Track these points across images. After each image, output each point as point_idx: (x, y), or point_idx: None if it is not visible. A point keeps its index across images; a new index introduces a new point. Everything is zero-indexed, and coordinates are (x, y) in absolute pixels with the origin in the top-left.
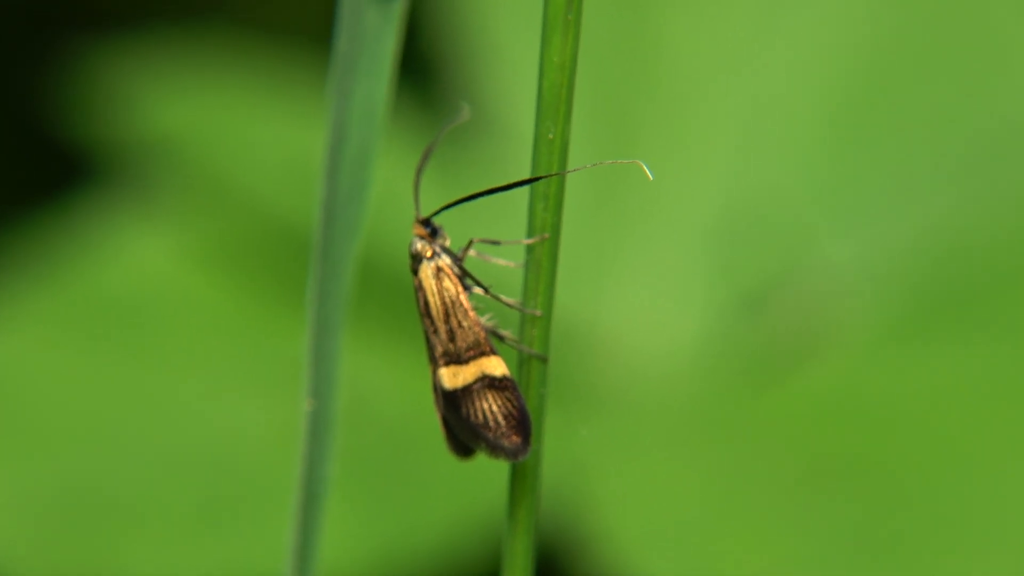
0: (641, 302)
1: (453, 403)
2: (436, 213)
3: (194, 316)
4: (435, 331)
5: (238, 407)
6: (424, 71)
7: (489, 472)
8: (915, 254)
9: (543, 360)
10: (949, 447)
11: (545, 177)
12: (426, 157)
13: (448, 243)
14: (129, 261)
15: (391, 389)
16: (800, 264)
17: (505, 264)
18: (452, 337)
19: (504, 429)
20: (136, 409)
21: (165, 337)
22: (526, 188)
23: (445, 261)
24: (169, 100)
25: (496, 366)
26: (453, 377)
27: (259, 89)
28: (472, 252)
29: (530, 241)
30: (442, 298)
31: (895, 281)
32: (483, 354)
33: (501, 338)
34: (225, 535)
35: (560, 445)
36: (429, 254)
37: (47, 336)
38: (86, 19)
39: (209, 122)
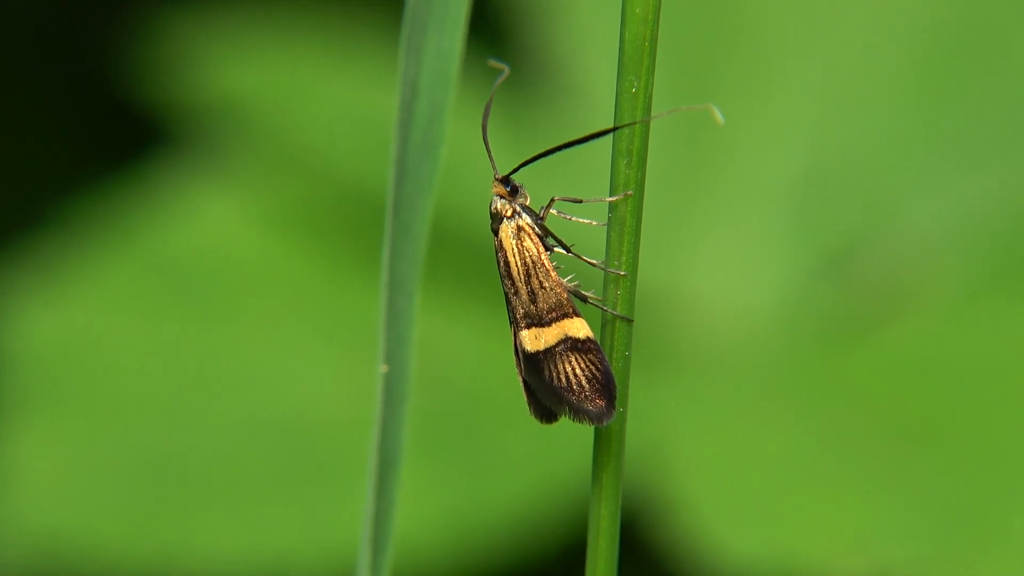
0: (723, 261)
1: (535, 366)
2: (515, 170)
3: (268, 279)
4: (516, 292)
5: (313, 370)
6: (497, 29)
7: (571, 436)
8: (1000, 215)
9: (628, 321)
10: None
11: (621, 128)
12: (487, 115)
13: (528, 201)
14: (202, 224)
15: (469, 352)
16: (884, 223)
17: (588, 223)
18: (534, 298)
19: (588, 392)
20: (211, 374)
21: (239, 300)
22: (607, 145)
23: (526, 220)
24: (241, 62)
25: (579, 328)
26: (535, 340)
27: (331, 50)
28: (553, 211)
29: (613, 199)
30: (523, 258)
31: (981, 240)
32: (565, 316)
33: (584, 299)
34: (302, 500)
35: (639, 408)
36: (509, 213)
37: (121, 301)
38: None
39: (281, 84)
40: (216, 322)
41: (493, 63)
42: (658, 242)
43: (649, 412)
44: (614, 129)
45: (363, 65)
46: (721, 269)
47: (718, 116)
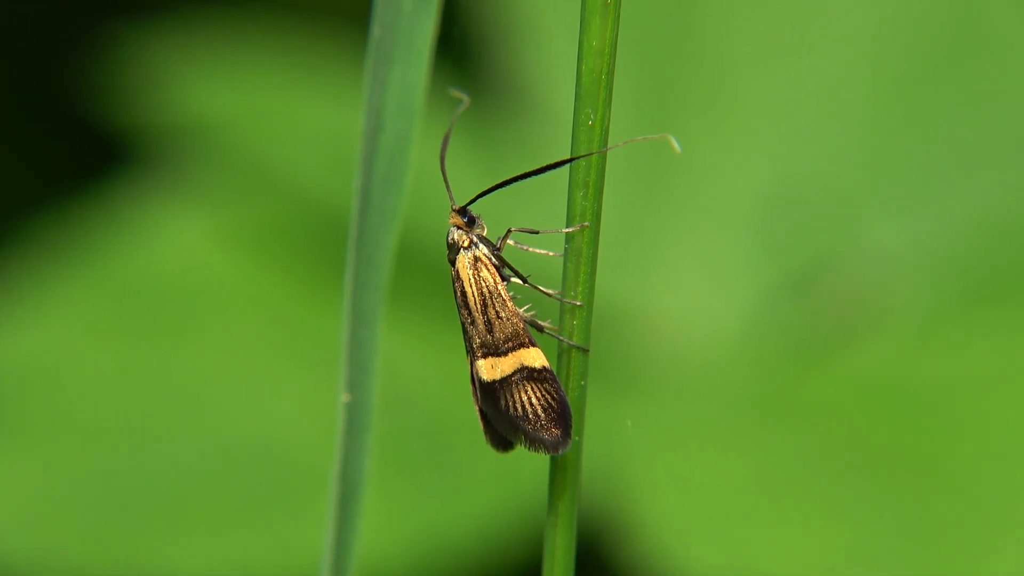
0: (688, 282)
1: (491, 395)
2: (472, 201)
3: (233, 300)
4: (472, 322)
5: (278, 391)
6: (466, 53)
7: (531, 463)
8: (966, 235)
9: (584, 351)
10: (1002, 432)
11: (577, 159)
12: (445, 146)
13: (486, 232)
14: (167, 245)
15: (431, 377)
16: (848, 245)
17: (544, 253)
18: (490, 328)
19: (544, 421)
20: (176, 395)
21: (204, 321)
22: (564, 175)
23: (483, 251)
24: (207, 83)
25: (535, 357)
26: (491, 369)
27: (298, 71)
28: (510, 241)
29: (570, 230)
30: (480, 288)
31: (945, 262)
32: (522, 345)
33: (540, 329)
34: (267, 522)
35: (604, 429)
36: (466, 243)
37: (84, 321)
38: (123, 3)
39: (247, 105)
40: (182, 343)
41: (454, 92)
42: (623, 262)
43: (613, 433)
44: (570, 160)
45: (331, 86)
46: (686, 290)
47: (675, 146)
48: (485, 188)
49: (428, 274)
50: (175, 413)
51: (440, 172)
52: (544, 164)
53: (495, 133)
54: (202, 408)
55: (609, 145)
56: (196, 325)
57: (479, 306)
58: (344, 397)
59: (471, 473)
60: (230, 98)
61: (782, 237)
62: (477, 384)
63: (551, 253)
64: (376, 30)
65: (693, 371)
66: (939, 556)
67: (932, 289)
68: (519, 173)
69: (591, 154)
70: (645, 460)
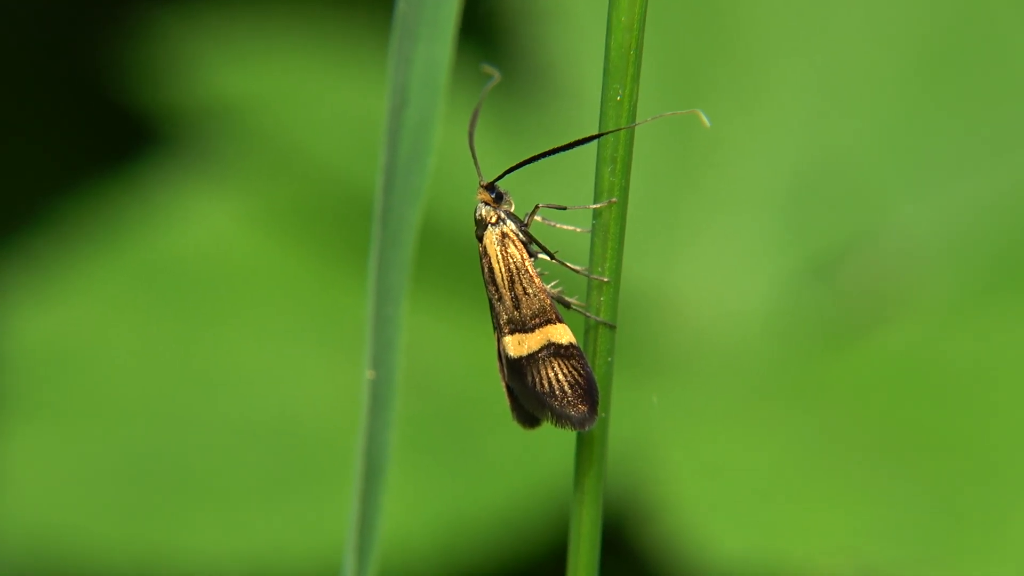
0: (713, 265)
1: (518, 371)
2: (500, 177)
3: (260, 281)
4: (500, 298)
5: (305, 371)
6: (491, 32)
7: (558, 437)
8: (994, 217)
9: (611, 327)
10: None
11: (605, 135)
12: (474, 121)
13: (513, 208)
14: (195, 225)
15: (457, 358)
16: (875, 227)
17: (571, 229)
18: (517, 304)
19: (571, 398)
20: (202, 375)
21: (230, 302)
22: (592, 151)
23: (510, 227)
24: (235, 65)
25: (562, 334)
26: (518, 345)
27: (324, 52)
28: (538, 217)
29: (597, 206)
30: (507, 264)
31: (972, 245)
32: (549, 322)
33: (567, 305)
34: (293, 501)
35: (629, 411)
36: (494, 219)
37: (113, 302)
38: None
39: (275, 87)
40: (208, 324)
41: (486, 68)
42: (648, 245)
43: (638, 415)
44: (598, 136)
45: (357, 68)
46: (711, 272)
47: (705, 120)
48: (512, 164)
49: (455, 254)
50: (201, 394)
51: (469, 148)
52: (572, 140)
53: (520, 113)
54: (228, 389)
55: (638, 120)
56: (223, 306)
57: (506, 282)
58: (368, 374)
59: (496, 454)
60: (258, 80)
61: (809, 218)
62: (504, 360)
63: (578, 229)
64: (402, 5)
65: (718, 353)
66: (962, 537)
67: (959, 271)
68: (547, 149)
69: (620, 129)
70: (670, 442)
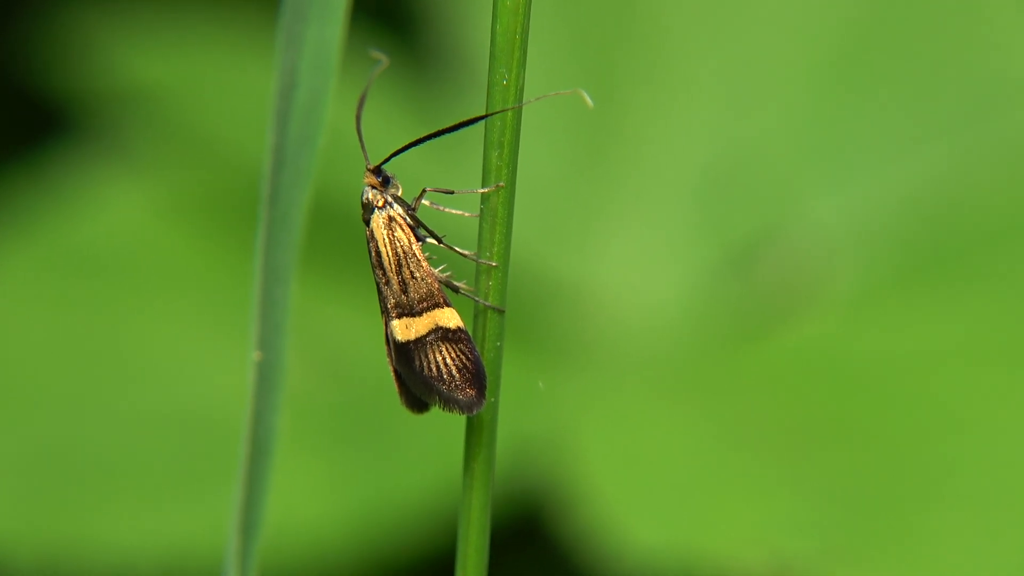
0: (628, 257)
1: (406, 356)
2: (386, 160)
3: (172, 270)
4: (387, 282)
5: (218, 360)
6: (410, 15)
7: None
8: (903, 210)
9: (499, 312)
10: (938, 402)
11: (489, 116)
12: (361, 105)
13: (400, 192)
14: (106, 214)
15: (374, 343)
16: (787, 220)
17: (459, 214)
18: (405, 288)
19: (458, 382)
20: (113, 366)
21: (143, 292)
22: (482, 136)
23: (397, 211)
24: (145, 51)
25: (450, 318)
26: (406, 329)
27: (237, 39)
28: (425, 202)
29: (485, 190)
30: (394, 248)
31: (882, 237)
32: (436, 306)
33: (456, 289)
34: (203, 494)
35: (546, 402)
36: (380, 203)
37: (22, 291)
38: None
39: (186, 73)
40: (119, 314)
41: (374, 53)
42: (566, 237)
43: (556, 404)
44: (482, 118)
45: (269, 54)
46: (628, 264)
47: (587, 100)
48: (397, 148)
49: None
50: (112, 384)
51: (356, 131)
52: (458, 121)
53: (437, 98)
54: (139, 378)
55: (523, 102)
56: (133, 295)
57: (394, 266)
58: (255, 356)
59: (414, 441)
60: (169, 66)
61: (723, 211)
62: (392, 345)
63: (466, 214)
64: None
65: (636, 344)
66: (874, 527)
67: (869, 264)
68: (429, 132)
69: (503, 111)
70: (588, 433)
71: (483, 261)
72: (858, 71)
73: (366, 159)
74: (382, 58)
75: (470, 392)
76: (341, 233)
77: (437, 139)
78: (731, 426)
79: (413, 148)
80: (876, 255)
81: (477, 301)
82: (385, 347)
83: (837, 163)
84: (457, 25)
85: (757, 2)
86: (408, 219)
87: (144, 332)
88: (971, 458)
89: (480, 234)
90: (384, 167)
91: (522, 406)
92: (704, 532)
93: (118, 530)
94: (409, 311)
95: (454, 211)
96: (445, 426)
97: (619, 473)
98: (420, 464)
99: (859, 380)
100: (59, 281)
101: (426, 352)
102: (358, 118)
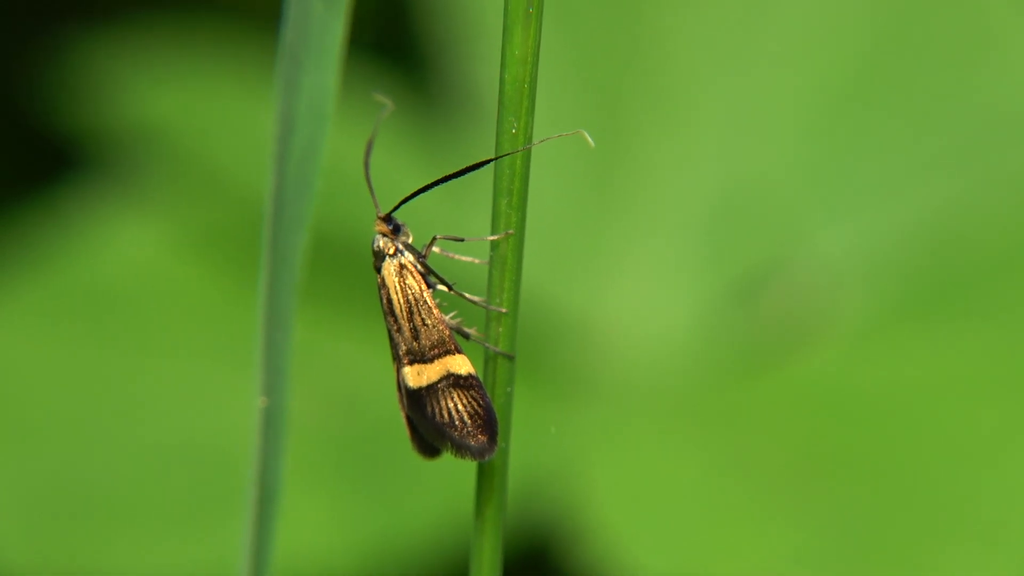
0: (633, 291)
1: (418, 402)
2: (396, 208)
3: (183, 306)
4: (399, 329)
5: (225, 396)
6: (417, 57)
7: (469, 466)
8: (908, 243)
9: (509, 358)
10: (943, 436)
11: (494, 160)
12: (369, 151)
13: (411, 240)
14: (118, 251)
15: (382, 378)
16: (792, 253)
17: (469, 261)
18: (416, 335)
19: (470, 428)
20: (123, 401)
21: (154, 328)
22: (489, 183)
23: (408, 258)
24: (157, 89)
25: (461, 364)
26: (417, 376)
27: (246, 76)
28: (436, 249)
29: (495, 237)
30: (405, 296)
31: (887, 270)
32: (448, 352)
33: (466, 336)
34: (213, 527)
35: (553, 436)
36: (392, 251)
37: (35, 328)
38: (73, 8)
39: (198, 111)
40: (129, 349)
41: (378, 96)
42: (572, 270)
43: (563, 438)
44: (487, 162)
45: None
46: (634, 297)
47: (589, 140)
48: (405, 195)
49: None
50: (121, 418)
51: (365, 178)
52: (462, 167)
53: (442, 132)
54: (147, 413)
55: (525, 145)
56: (145, 329)
57: (405, 313)
58: (261, 401)
59: (422, 477)
60: (178, 103)
61: (729, 244)
62: (403, 391)
63: (476, 261)
64: (288, 34)
65: (641, 376)
66: (879, 558)
67: (874, 296)
68: (437, 178)
69: (510, 153)
70: (595, 466)
71: (493, 308)
72: (864, 104)
73: (376, 207)
74: (387, 102)
75: (482, 438)
76: (350, 268)
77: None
78: (737, 457)
79: (423, 193)
80: (881, 287)
81: (487, 347)
82: (397, 393)
83: (843, 195)
84: (462, 60)
85: (764, 35)
86: (419, 266)
87: (154, 366)
88: (977, 492)
89: (490, 281)
90: (394, 214)
91: (530, 439)
92: (711, 563)
93: (127, 562)
94: (421, 358)
95: (464, 258)
96: (454, 462)
97: (627, 505)
98: (428, 497)
99: (864, 412)
100: (70, 316)
101: (438, 399)
102: (366, 164)
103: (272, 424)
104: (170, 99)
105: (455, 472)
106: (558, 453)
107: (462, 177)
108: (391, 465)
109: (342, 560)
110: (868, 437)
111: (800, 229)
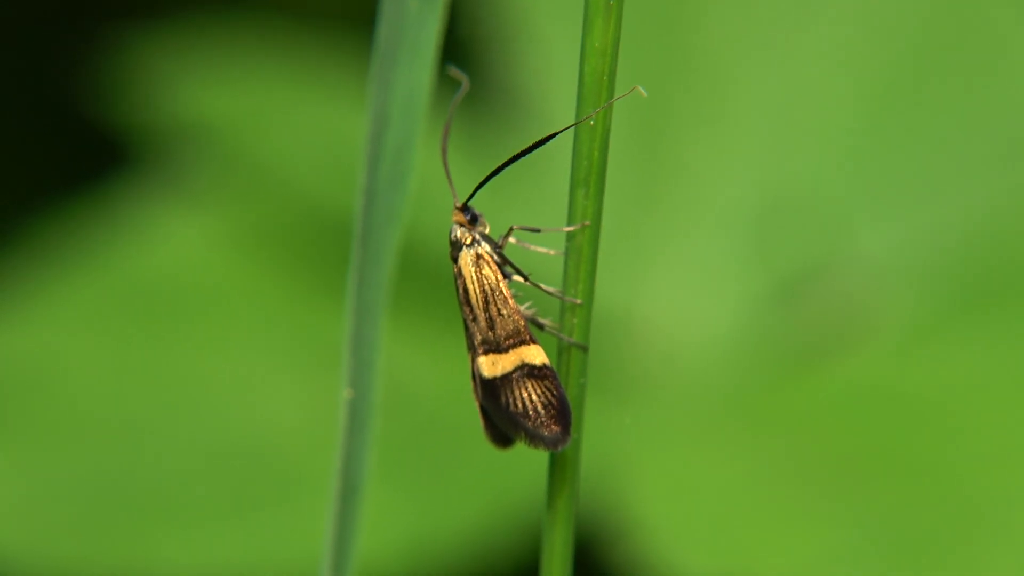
0: (678, 291)
1: (492, 392)
2: (471, 196)
3: (233, 302)
4: (474, 319)
5: (275, 392)
6: (466, 54)
7: (528, 460)
8: (953, 245)
9: (583, 349)
10: (988, 439)
11: (561, 132)
12: (446, 138)
13: (488, 230)
14: (169, 247)
15: (429, 374)
16: (837, 254)
17: (545, 252)
18: (491, 325)
19: (544, 418)
20: (174, 396)
21: (204, 324)
22: (566, 176)
23: (485, 248)
24: (208, 86)
25: (536, 355)
26: (492, 365)
27: (299, 74)
28: (512, 239)
29: (571, 228)
30: (481, 286)
31: (933, 272)
32: (523, 342)
33: (541, 326)
34: (263, 521)
35: (597, 433)
36: (469, 241)
37: (84, 323)
38: (126, 6)
39: (248, 108)
40: (180, 344)
41: (453, 71)
42: (617, 268)
43: (606, 436)
44: (555, 135)
45: (330, 88)
46: (679, 296)
47: (642, 91)
48: (480, 181)
49: (430, 274)
50: (173, 413)
51: (443, 167)
52: (533, 142)
53: (492, 137)
54: (199, 408)
55: (581, 118)
56: (195, 326)
57: (481, 303)
58: (347, 392)
59: (468, 473)
60: (229, 100)
61: (774, 243)
62: (478, 381)
63: (552, 252)
64: (382, 31)
65: (685, 376)
66: (923, 560)
67: (919, 298)
68: (511, 156)
69: (568, 127)
70: (639, 463)
71: (568, 299)
72: (911, 104)
73: (454, 196)
74: (462, 79)
75: (555, 428)
76: (409, 264)
77: (513, 172)
78: (780, 457)
79: (495, 176)
80: (927, 289)
81: (561, 338)
82: (471, 383)
83: (888, 196)
84: (511, 61)
85: (811, 34)
86: (495, 256)
87: (205, 362)
88: (1021, 496)
89: (565, 272)
90: (471, 205)
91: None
92: (753, 563)
93: (176, 558)
94: (495, 347)
95: (540, 249)
96: (502, 459)
97: (671, 502)
98: (476, 495)
99: (909, 414)
100: (121, 312)
101: (512, 388)
102: (444, 151)
103: (358, 417)
104: (221, 96)
105: (503, 469)
106: (600, 450)
107: (538, 167)
108: (439, 462)
109: (388, 555)
110: (912, 439)
111: (845, 230)
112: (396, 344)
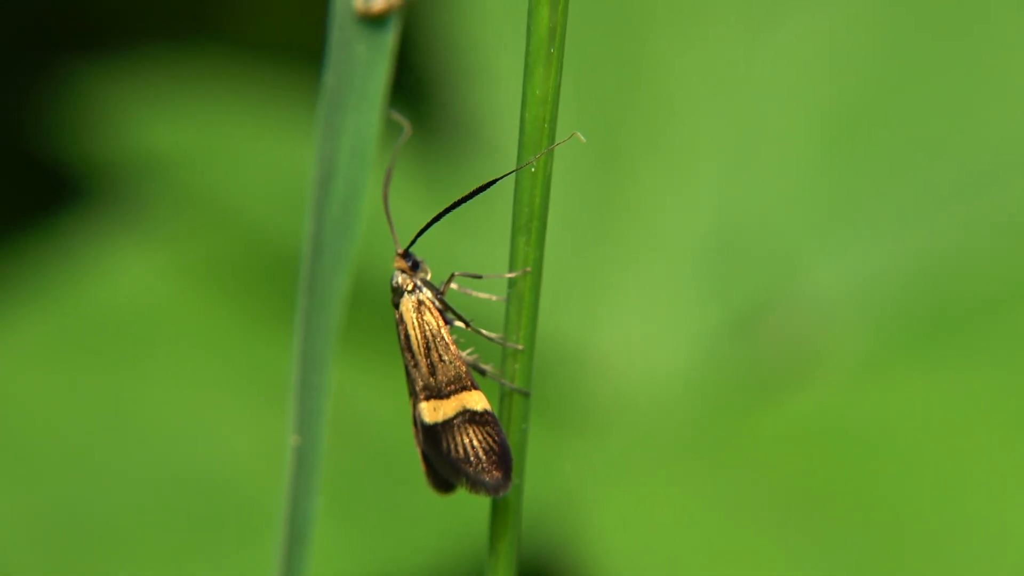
0: (632, 326)
1: (433, 438)
2: (413, 241)
3: (186, 336)
4: (416, 365)
5: (228, 424)
6: (418, 90)
7: (478, 501)
8: (905, 279)
9: (525, 395)
10: (940, 473)
11: (499, 180)
12: (387, 183)
13: (429, 276)
14: (121, 281)
15: (385, 409)
16: (789, 288)
17: (487, 297)
18: (433, 371)
19: (485, 464)
20: (126, 430)
21: (156, 356)
22: (507, 221)
23: (426, 294)
24: (161, 120)
25: (477, 400)
26: (433, 411)
27: (250, 107)
28: (454, 285)
29: (512, 275)
30: (423, 332)
31: (885, 306)
32: (464, 388)
33: (483, 372)
34: (215, 556)
35: (551, 471)
36: (410, 287)
37: (38, 356)
38: (77, 40)
39: (201, 142)
40: (133, 377)
41: (395, 116)
42: (571, 304)
43: (559, 475)
44: (495, 182)
45: (285, 124)
46: (633, 330)
47: (581, 138)
48: (422, 226)
49: (377, 311)
50: (126, 446)
51: (384, 212)
52: (472, 189)
53: (448, 176)
54: (152, 441)
55: (526, 162)
56: (147, 359)
57: (422, 349)
58: (293, 439)
59: (423, 508)
60: (182, 134)
61: (727, 278)
62: (419, 427)
63: (493, 297)
64: (330, 78)
65: (639, 411)
66: None
67: (872, 332)
68: (449, 204)
69: (507, 174)
70: (594, 499)
71: (510, 344)
72: (860, 140)
73: (396, 242)
74: (404, 124)
75: (496, 474)
76: (365, 298)
77: (456, 213)
78: (733, 491)
79: (434, 224)
80: (878, 323)
81: (503, 384)
82: (412, 429)
83: (839, 231)
84: (465, 97)
85: (762, 70)
86: (437, 303)
87: (157, 396)
88: (975, 526)
89: (507, 318)
90: (411, 250)
91: (528, 471)
92: None
93: None
94: (437, 393)
95: (481, 295)
96: (453, 497)
97: (624, 536)
98: (431, 531)
99: (861, 448)
100: (73, 345)
101: (453, 434)
102: (385, 196)
103: (304, 463)
104: (174, 131)
105: (464, 507)
106: (554, 487)
107: (480, 213)
108: (394, 496)
109: None
110: (865, 473)
111: (798, 264)
112: (343, 374)
